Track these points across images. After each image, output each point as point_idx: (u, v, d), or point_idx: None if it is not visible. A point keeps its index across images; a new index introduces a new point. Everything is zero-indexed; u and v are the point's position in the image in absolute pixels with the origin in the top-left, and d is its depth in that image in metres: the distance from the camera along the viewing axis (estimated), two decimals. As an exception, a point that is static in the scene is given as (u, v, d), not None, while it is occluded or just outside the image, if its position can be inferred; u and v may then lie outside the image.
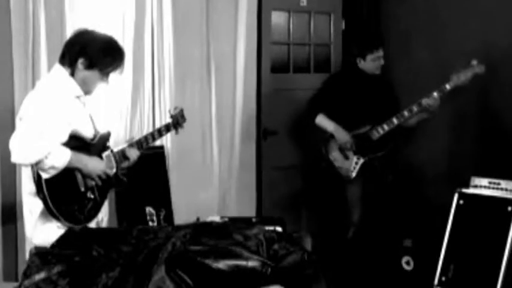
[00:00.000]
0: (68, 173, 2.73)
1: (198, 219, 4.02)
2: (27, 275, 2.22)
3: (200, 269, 2.12)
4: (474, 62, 3.93)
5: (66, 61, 2.84)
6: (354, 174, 4.27)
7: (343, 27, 5.16)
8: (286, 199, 4.94)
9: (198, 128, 4.47)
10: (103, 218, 3.07)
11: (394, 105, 4.28)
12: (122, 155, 3.08)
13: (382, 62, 4.25)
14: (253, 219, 4.06)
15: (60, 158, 2.64)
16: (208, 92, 4.52)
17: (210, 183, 4.56)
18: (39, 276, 2.19)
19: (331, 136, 4.28)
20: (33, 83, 3.58)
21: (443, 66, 4.52)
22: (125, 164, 3.10)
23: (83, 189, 2.83)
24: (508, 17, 4.17)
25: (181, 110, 3.51)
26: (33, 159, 2.58)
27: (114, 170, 3.01)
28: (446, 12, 4.58)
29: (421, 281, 3.96)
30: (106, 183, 2.92)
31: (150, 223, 3.97)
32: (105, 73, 2.89)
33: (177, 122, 3.47)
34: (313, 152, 4.55)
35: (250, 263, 2.16)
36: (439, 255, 3.76)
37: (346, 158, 4.28)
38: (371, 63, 4.25)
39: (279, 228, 3.56)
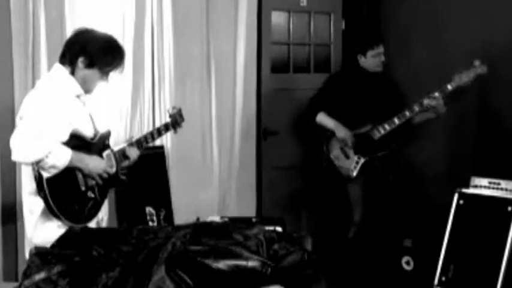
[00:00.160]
0: (69, 172, 2.74)
1: (198, 219, 4.02)
2: (27, 275, 2.22)
3: (200, 269, 2.12)
4: (477, 63, 3.92)
5: (67, 60, 2.85)
6: (354, 174, 4.26)
7: (343, 27, 5.15)
8: (286, 199, 4.94)
9: (198, 128, 4.47)
10: (103, 217, 3.07)
11: (399, 103, 4.27)
12: (122, 154, 3.08)
13: (382, 58, 4.25)
14: (253, 219, 4.06)
15: (61, 157, 2.64)
16: (208, 92, 4.52)
17: (210, 183, 4.56)
18: (39, 276, 2.19)
19: (333, 134, 4.28)
20: (33, 83, 3.58)
21: (443, 66, 4.52)
22: (125, 164, 3.10)
23: (83, 188, 2.83)
24: (508, 17, 4.17)
25: (180, 110, 3.51)
26: (33, 158, 2.58)
27: (115, 169, 3.01)
28: (446, 12, 4.57)
29: (421, 281, 3.96)
30: (106, 182, 2.92)
31: (150, 223, 3.97)
32: (105, 72, 2.89)
33: (175, 121, 3.47)
34: (314, 152, 4.55)
35: (250, 263, 2.16)
36: (439, 255, 3.76)
37: (347, 157, 4.28)
38: (372, 59, 4.25)
39: (279, 228, 3.57)
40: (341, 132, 4.22)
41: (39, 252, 2.30)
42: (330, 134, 4.30)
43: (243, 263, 2.15)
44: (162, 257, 2.15)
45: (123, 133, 4.09)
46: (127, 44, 4.02)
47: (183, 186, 4.37)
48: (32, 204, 2.78)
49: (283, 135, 4.88)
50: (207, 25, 4.47)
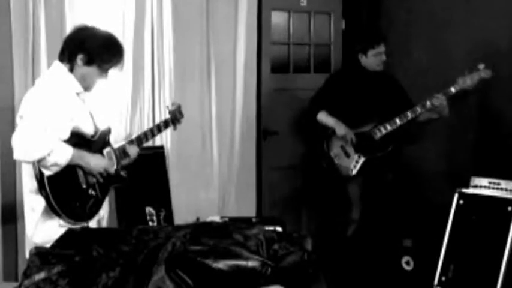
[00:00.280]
0: (70, 170, 2.75)
1: (198, 219, 4.02)
2: (27, 275, 2.21)
3: (200, 269, 2.12)
4: (481, 66, 3.92)
5: (65, 57, 2.85)
6: (354, 173, 4.27)
7: (343, 27, 5.16)
8: (286, 199, 4.94)
9: (198, 128, 4.47)
10: (104, 215, 3.08)
11: (404, 99, 4.27)
12: (122, 152, 3.09)
13: (383, 57, 4.25)
14: (253, 219, 4.06)
15: (62, 155, 2.65)
16: (208, 92, 4.52)
17: (210, 183, 4.57)
18: (39, 276, 2.19)
19: (333, 133, 4.28)
20: (33, 82, 3.56)
21: (443, 66, 4.53)
22: (125, 162, 3.10)
23: (84, 186, 2.84)
24: (508, 17, 4.17)
25: (179, 106, 3.51)
26: (35, 157, 2.59)
27: (115, 167, 3.01)
28: (446, 12, 4.57)
29: (421, 281, 3.96)
30: (107, 180, 2.93)
31: (150, 223, 3.97)
32: (104, 69, 2.88)
33: (175, 117, 3.47)
34: (314, 151, 4.55)
35: (250, 263, 2.16)
36: (439, 255, 3.76)
37: (347, 155, 4.28)
38: (372, 58, 4.25)
39: (279, 228, 3.56)
40: (341, 130, 4.22)
41: (39, 252, 2.30)
42: (330, 132, 4.31)
43: (243, 263, 2.15)
44: (162, 257, 2.15)
45: (123, 133, 4.09)
46: (127, 43, 4.02)
47: (183, 186, 4.37)
48: (33, 202, 2.79)
49: (283, 135, 4.89)
50: (207, 25, 4.47)
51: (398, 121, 4.16)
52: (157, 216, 4.03)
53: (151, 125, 4.20)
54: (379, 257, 4.30)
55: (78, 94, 2.89)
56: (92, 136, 2.93)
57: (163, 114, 4.21)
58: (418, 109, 4.10)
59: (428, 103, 4.05)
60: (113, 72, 2.96)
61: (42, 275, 2.19)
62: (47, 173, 2.65)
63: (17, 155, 2.61)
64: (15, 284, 2.41)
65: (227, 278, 2.12)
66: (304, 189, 5.01)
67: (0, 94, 3.72)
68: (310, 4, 5.00)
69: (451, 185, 3.92)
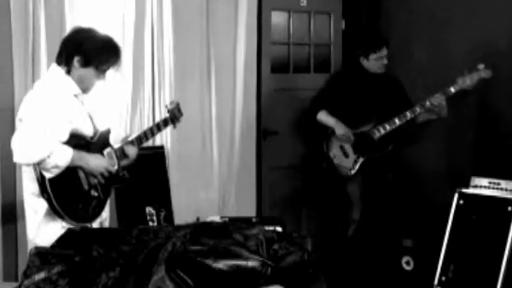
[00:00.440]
0: (71, 172, 2.75)
1: (198, 219, 4.02)
2: (27, 275, 2.21)
3: (200, 269, 2.12)
4: (481, 66, 3.92)
5: (63, 59, 2.85)
6: (353, 172, 4.28)
7: (343, 27, 5.16)
8: (286, 199, 4.94)
9: (198, 128, 4.47)
10: (106, 217, 3.07)
11: (404, 99, 4.27)
12: (122, 152, 3.09)
13: (385, 61, 4.25)
14: (253, 219, 4.06)
15: (62, 156, 2.65)
16: (208, 92, 4.52)
17: (210, 183, 4.56)
18: (39, 276, 2.19)
19: (333, 132, 4.28)
20: (33, 83, 3.57)
21: (444, 67, 4.53)
22: (125, 162, 3.10)
23: (86, 187, 2.84)
24: (508, 17, 4.17)
25: (178, 104, 3.50)
26: (35, 159, 2.59)
27: (116, 167, 3.01)
28: (446, 12, 4.57)
29: (421, 281, 3.96)
30: (108, 180, 2.93)
31: (150, 223, 3.97)
32: (101, 70, 2.88)
33: (174, 116, 3.47)
34: (314, 151, 4.55)
35: (250, 263, 2.16)
36: (439, 255, 3.76)
37: (346, 155, 4.29)
38: (374, 62, 4.25)
39: (279, 228, 3.56)
40: (340, 129, 4.23)
41: (39, 252, 2.30)
42: (330, 132, 4.31)
43: (243, 263, 2.15)
44: (162, 257, 2.15)
45: (123, 133, 4.09)
46: (127, 44, 4.03)
47: (183, 186, 4.37)
48: (36, 205, 2.79)
49: (283, 135, 4.88)
50: (207, 25, 4.47)
51: (397, 121, 4.16)
52: (157, 216, 4.03)
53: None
54: (379, 257, 4.30)
55: (76, 96, 2.89)
56: (91, 137, 2.93)
57: (163, 115, 4.18)
58: (417, 109, 4.10)
59: (427, 103, 4.05)
60: (110, 73, 2.96)
61: (42, 275, 2.19)
62: (48, 175, 2.66)
63: (16, 158, 2.61)
64: (15, 284, 2.41)
65: (227, 278, 2.12)
66: (304, 189, 5.01)
67: (0, 94, 3.71)
68: (310, 4, 4.99)
69: (451, 185, 3.92)
